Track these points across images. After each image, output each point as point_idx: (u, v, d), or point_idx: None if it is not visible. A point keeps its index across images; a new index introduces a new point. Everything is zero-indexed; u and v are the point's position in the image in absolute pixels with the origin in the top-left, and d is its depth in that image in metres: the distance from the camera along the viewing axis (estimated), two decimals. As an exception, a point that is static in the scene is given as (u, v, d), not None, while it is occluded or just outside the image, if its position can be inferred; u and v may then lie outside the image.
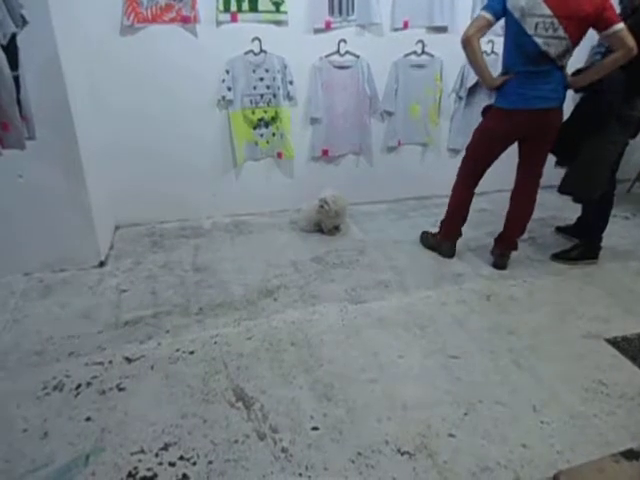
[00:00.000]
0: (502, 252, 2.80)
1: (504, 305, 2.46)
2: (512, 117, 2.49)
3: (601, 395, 1.85)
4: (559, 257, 2.92)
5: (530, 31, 2.27)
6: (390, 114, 3.69)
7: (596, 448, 1.60)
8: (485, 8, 2.35)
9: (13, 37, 1.75)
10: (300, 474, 1.51)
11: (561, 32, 2.25)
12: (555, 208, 3.66)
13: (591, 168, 2.62)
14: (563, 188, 2.78)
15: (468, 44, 2.36)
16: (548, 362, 2.04)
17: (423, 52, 3.56)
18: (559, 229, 3.34)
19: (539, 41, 2.27)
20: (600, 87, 2.48)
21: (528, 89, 2.40)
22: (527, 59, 2.35)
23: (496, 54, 3.58)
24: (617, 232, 3.27)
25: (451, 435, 1.66)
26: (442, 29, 3.51)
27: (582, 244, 2.94)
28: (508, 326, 2.28)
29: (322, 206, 3.12)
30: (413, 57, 3.56)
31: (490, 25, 2.35)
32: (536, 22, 2.24)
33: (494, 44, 3.58)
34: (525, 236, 3.13)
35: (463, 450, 1.60)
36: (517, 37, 2.33)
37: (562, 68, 2.39)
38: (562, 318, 2.36)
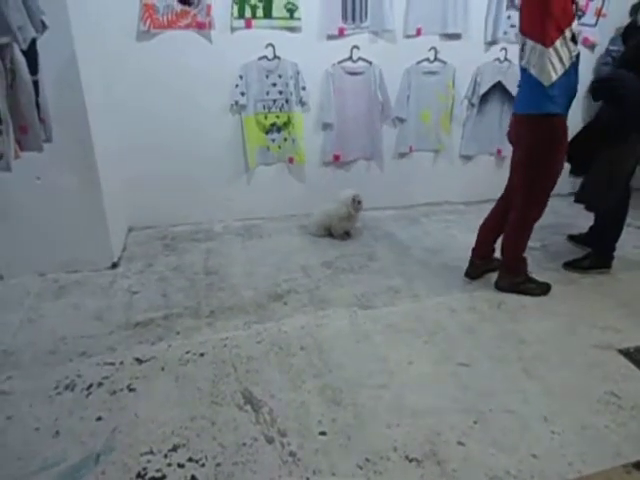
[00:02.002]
0: (499, 271, 2.68)
1: (515, 313, 2.45)
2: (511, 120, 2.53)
3: (613, 406, 1.83)
4: (571, 266, 2.90)
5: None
6: (402, 120, 3.70)
7: (607, 459, 1.58)
8: None
9: (33, 42, 1.79)
10: (308, 478, 1.50)
11: (517, 28, 2.26)
12: (567, 216, 3.63)
13: (610, 179, 2.59)
14: (580, 198, 2.76)
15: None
16: (559, 372, 2.02)
17: (436, 59, 3.57)
18: (571, 237, 3.31)
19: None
20: (620, 97, 2.45)
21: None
22: None
23: (509, 61, 3.59)
24: (631, 241, 3.23)
25: (460, 443, 1.65)
26: (455, 36, 3.52)
27: (595, 253, 2.91)
28: (518, 334, 2.26)
29: (359, 202, 3.17)
30: (426, 64, 3.57)
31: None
32: None
33: (507, 51, 3.58)
34: (537, 244, 3.12)
35: (472, 459, 1.59)
36: None
37: (527, 70, 2.21)
38: (573, 327, 2.34)
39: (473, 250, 2.77)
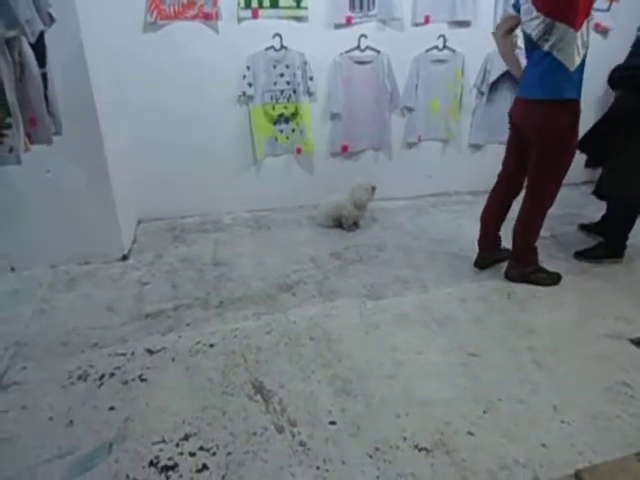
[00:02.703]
0: (509, 261, 2.65)
1: (525, 303, 2.43)
2: (514, 105, 2.47)
3: (624, 396, 1.82)
4: (582, 255, 2.87)
5: (523, 18, 2.28)
6: (410, 110, 3.67)
7: (618, 449, 1.57)
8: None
9: (41, 35, 1.79)
10: (318, 467, 1.52)
11: (534, 11, 2.18)
12: (577, 205, 3.59)
13: (631, 168, 2.55)
14: (602, 191, 2.72)
15: (494, 38, 2.50)
16: (569, 362, 2.01)
17: (445, 47, 3.52)
18: (582, 227, 3.28)
19: (525, 26, 2.27)
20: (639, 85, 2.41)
21: (524, 77, 2.38)
22: (525, 47, 2.35)
23: (519, 48, 3.52)
24: (643, 230, 3.19)
25: (470, 433, 1.65)
26: (464, 24, 3.48)
27: (607, 242, 2.87)
28: (529, 325, 2.25)
29: (373, 188, 3.20)
30: (434, 52, 3.53)
31: (514, 19, 2.37)
32: (523, 9, 2.26)
33: (517, 38, 3.51)
34: (547, 234, 3.09)
35: (482, 448, 1.59)
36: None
37: (550, 54, 2.17)
38: (585, 317, 2.32)
39: (479, 242, 2.76)
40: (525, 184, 2.49)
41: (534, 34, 2.20)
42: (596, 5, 3.63)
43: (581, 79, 2.23)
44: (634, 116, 2.49)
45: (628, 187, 2.61)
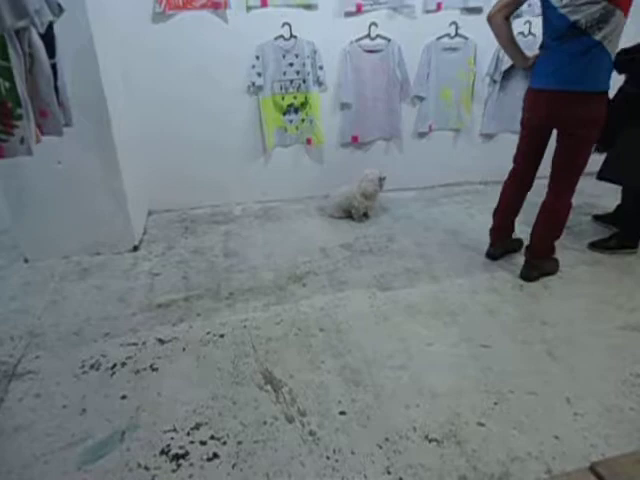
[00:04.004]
0: (527, 259, 2.55)
1: (537, 295, 2.40)
2: (537, 99, 2.30)
3: (639, 388, 1.79)
4: (597, 246, 2.82)
5: (556, 3, 2.08)
6: (421, 99, 3.62)
7: (632, 442, 1.56)
8: None
9: (50, 25, 1.79)
10: (328, 457, 1.52)
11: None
12: (592, 195, 3.53)
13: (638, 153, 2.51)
14: (604, 175, 2.68)
15: (490, 22, 2.23)
16: (583, 353, 1.98)
17: (457, 34, 3.46)
18: (597, 217, 3.23)
19: (564, 11, 2.06)
20: None
21: (551, 67, 2.19)
22: (554, 33, 2.15)
23: (534, 35, 3.46)
24: (659, 221, 3.13)
25: (480, 424, 1.64)
26: (477, 10, 3.40)
27: (621, 233, 2.82)
28: (541, 316, 2.23)
29: (384, 177, 3.19)
30: (446, 40, 3.47)
31: (517, 2, 2.18)
32: None
33: (531, 25, 3.45)
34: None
35: (493, 439, 1.58)
36: (544, 10, 2.17)
37: (601, 44, 2.04)
38: (599, 309, 2.29)
39: (491, 234, 2.71)
40: (550, 176, 2.39)
41: (585, 20, 2.02)
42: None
43: None
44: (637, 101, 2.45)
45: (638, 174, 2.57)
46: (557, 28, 2.13)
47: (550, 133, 2.38)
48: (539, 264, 2.53)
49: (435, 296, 2.39)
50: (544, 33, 2.24)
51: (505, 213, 2.65)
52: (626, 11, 2.01)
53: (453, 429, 1.62)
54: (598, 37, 2.03)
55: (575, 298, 2.37)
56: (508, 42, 2.30)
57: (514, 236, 2.74)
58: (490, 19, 2.23)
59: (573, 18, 2.04)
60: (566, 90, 2.17)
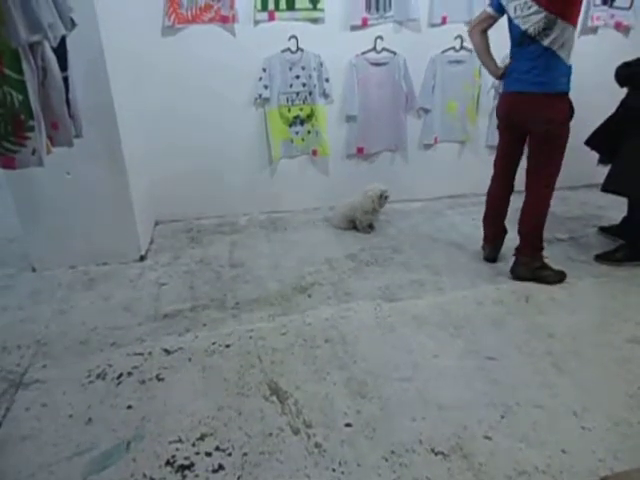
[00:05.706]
0: (515, 257, 2.65)
1: (544, 307, 2.39)
2: (504, 101, 2.56)
3: (647, 402, 1.78)
4: (603, 258, 2.81)
5: (512, 14, 2.36)
6: (427, 111, 3.64)
7: (641, 457, 1.54)
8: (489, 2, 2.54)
9: (63, 39, 1.82)
10: (333, 469, 1.51)
11: (535, 6, 2.24)
12: (597, 207, 3.52)
13: None
14: (608, 186, 2.68)
15: (470, 35, 2.60)
16: (590, 366, 1.97)
17: (462, 47, 3.49)
18: (603, 229, 3.21)
19: (518, 22, 2.33)
20: None
21: (515, 72, 2.43)
22: (514, 42, 2.42)
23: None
24: (666, 233, 3.11)
25: (487, 437, 1.63)
26: (482, 24, 3.43)
27: (628, 245, 2.81)
28: (548, 328, 2.22)
29: (386, 197, 3.19)
30: (451, 53, 3.50)
31: (492, 18, 2.49)
32: (515, 5, 2.33)
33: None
34: (566, 236, 3.05)
35: (499, 453, 1.57)
36: (508, 21, 2.43)
37: (550, 49, 2.25)
38: (605, 321, 2.27)
39: (485, 240, 2.86)
40: (527, 174, 2.52)
41: (532, 29, 2.27)
42: (618, 3, 3.61)
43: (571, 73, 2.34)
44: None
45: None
46: (515, 36, 2.41)
47: (522, 135, 2.53)
48: (528, 262, 2.59)
49: (441, 307, 2.39)
50: (510, 42, 2.47)
51: (493, 217, 2.80)
52: (569, 19, 2.21)
53: (460, 442, 1.61)
54: (546, 43, 2.25)
55: (582, 310, 2.36)
56: (483, 53, 2.58)
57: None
58: (469, 33, 2.62)
59: (524, 27, 2.31)
60: (526, 92, 2.39)
